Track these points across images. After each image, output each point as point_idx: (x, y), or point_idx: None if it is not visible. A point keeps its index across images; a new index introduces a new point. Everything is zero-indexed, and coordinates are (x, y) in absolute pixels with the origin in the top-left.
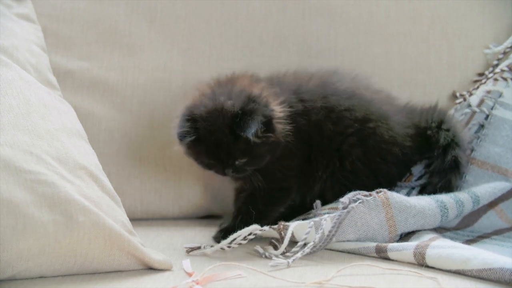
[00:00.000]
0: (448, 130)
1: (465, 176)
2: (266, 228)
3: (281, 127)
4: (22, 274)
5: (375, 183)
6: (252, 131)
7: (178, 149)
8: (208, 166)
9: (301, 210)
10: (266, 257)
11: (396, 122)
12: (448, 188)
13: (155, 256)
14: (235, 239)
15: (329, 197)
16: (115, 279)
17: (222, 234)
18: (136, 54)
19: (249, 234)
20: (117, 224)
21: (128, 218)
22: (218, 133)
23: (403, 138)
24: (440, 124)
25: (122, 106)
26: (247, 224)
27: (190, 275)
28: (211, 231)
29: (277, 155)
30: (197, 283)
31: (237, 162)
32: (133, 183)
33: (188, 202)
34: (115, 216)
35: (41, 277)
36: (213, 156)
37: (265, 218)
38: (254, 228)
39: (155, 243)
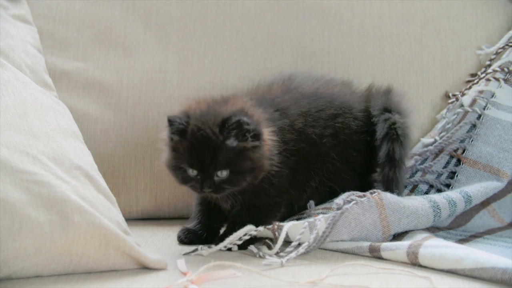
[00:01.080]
0: (385, 120)
1: (457, 175)
2: (261, 228)
3: (268, 149)
4: (19, 274)
5: (354, 176)
6: (241, 132)
7: (160, 161)
8: (185, 179)
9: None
10: (260, 256)
11: (358, 110)
12: (386, 181)
13: (150, 255)
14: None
15: (316, 200)
16: (111, 279)
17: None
18: (131, 55)
19: (245, 235)
20: (113, 224)
21: (123, 218)
22: (207, 131)
23: (368, 125)
24: (381, 113)
25: (118, 106)
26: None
27: (185, 274)
28: None
29: (258, 183)
30: (192, 283)
31: (217, 175)
32: (128, 183)
33: (183, 202)
34: (110, 216)
35: (37, 276)
36: (195, 157)
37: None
38: (249, 229)
39: (150, 243)
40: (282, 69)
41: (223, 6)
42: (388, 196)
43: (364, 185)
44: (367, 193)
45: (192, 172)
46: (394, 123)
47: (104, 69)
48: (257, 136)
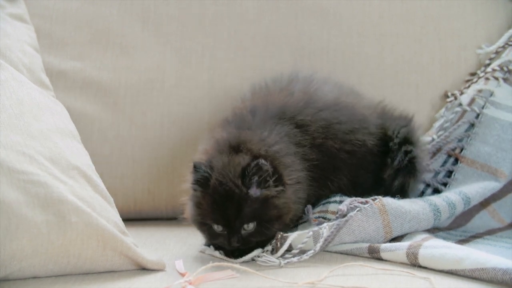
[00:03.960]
0: (406, 152)
1: (454, 174)
2: (268, 248)
3: (291, 192)
4: (15, 275)
5: (354, 194)
6: (262, 177)
7: (184, 215)
8: (212, 235)
9: None
10: (258, 257)
11: (374, 125)
12: None
13: (148, 256)
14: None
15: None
16: (108, 280)
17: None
18: (129, 54)
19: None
20: (110, 224)
21: (121, 219)
22: (229, 184)
23: (378, 147)
24: (402, 142)
25: (115, 106)
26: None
27: (183, 275)
28: None
29: (286, 219)
30: (190, 284)
31: (244, 229)
32: (126, 184)
33: (181, 202)
34: (108, 216)
35: (34, 277)
36: (219, 213)
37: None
38: (258, 252)
39: (148, 244)
40: (281, 68)
41: (221, 5)
42: (389, 201)
43: None
44: (369, 200)
45: (218, 228)
46: (414, 158)
47: (102, 69)
48: (278, 179)
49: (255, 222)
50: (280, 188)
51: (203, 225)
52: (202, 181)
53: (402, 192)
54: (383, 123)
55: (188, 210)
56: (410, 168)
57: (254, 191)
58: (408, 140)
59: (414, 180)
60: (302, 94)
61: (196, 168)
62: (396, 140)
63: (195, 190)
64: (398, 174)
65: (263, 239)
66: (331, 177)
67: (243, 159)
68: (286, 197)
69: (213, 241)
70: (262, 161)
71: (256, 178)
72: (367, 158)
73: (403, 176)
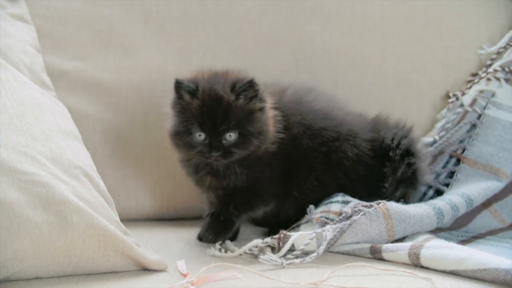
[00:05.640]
0: (410, 165)
1: (456, 175)
2: (268, 239)
3: (271, 118)
4: (17, 275)
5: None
6: (251, 94)
7: (165, 130)
8: (191, 144)
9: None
10: (261, 257)
11: (362, 139)
12: None
13: (150, 256)
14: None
15: (294, 210)
16: (110, 280)
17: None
18: (131, 55)
19: (255, 247)
20: (112, 224)
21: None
22: (219, 89)
23: (368, 157)
24: (404, 154)
25: (117, 106)
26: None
27: (185, 275)
28: None
29: (263, 153)
30: (192, 284)
31: (225, 139)
32: (128, 184)
33: (183, 203)
34: (109, 216)
35: (36, 278)
36: (206, 116)
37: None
38: (257, 242)
39: (150, 244)
40: (282, 69)
41: (223, 5)
42: (393, 206)
43: None
44: (374, 203)
45: (200, 136)
46: (417, 170)
47: (103, 69)
48: (263, 101)
49: (237, 132)
50: (265, 104)
51: (184, 133)
52: (189, 91)
53: (403, 201)
54: (377, 136)
55: (170, 123)
56: (412, 180)
57: (242, 102)
58: (410, 152)
59: (414, 191)
60: (293, 95)
61: (179, 83)
62: (398, 152)
63: (179, 103)
64: (400, 185)
65: (241, 153)
66: (302, 176)
67: (233, 76)
68: (267, 117)
69: (190, 151)
70: (256, 80)
71: (246, 93)
72: (345, 164)
73: (406, 187)
